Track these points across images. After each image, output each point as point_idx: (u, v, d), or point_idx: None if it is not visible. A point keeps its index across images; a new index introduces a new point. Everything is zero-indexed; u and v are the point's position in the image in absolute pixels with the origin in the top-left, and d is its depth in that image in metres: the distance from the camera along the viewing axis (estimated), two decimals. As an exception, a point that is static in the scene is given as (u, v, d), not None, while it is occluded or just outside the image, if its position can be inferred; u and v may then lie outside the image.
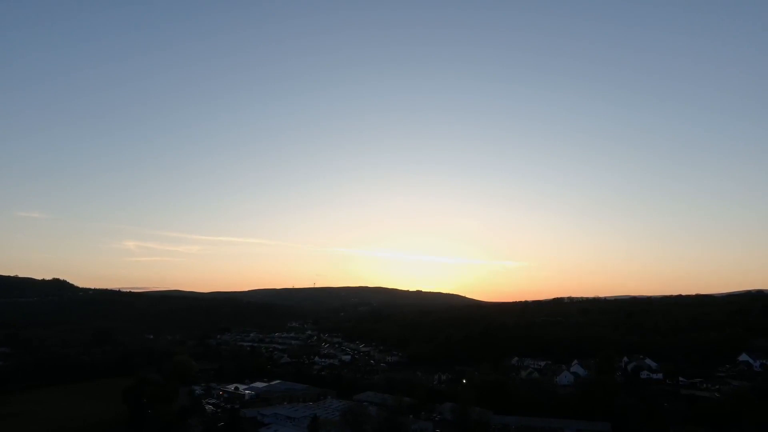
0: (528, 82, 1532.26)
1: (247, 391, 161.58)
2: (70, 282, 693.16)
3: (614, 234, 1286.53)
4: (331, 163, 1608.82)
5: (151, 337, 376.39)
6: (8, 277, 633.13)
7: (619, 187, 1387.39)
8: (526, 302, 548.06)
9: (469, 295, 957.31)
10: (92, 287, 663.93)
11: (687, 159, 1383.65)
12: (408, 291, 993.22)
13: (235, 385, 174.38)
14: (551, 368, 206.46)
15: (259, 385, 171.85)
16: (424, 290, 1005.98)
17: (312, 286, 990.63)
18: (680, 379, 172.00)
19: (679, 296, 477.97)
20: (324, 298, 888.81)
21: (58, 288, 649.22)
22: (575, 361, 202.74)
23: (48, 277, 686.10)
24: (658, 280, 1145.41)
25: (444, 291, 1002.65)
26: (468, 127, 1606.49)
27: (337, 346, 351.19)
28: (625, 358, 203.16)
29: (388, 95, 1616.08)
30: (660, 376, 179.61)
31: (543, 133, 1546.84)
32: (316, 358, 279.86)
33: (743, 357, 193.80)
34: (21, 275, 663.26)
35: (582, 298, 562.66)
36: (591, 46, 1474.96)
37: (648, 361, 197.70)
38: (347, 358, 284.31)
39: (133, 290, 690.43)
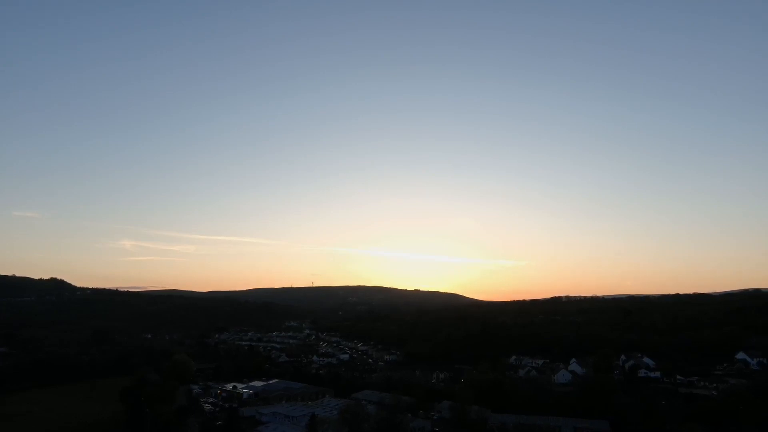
0: (529, 83, 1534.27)
1: (245, 390, 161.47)
2: (68, 282, 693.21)
3: (612, 233, 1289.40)
4: (329, 163, 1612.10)
5: (149, 336, 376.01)
6: (7, 277, 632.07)
7: (617, 187, 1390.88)
8: (524, 301, 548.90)
9: (467, 295, 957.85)
10: (90, 287, 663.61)
11: (685, 158, 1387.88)
12: (406, 290, 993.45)
13: (233, 384, 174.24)
14: (549, 367, 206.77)
15: (257, 384, 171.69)
16: (422, 289, 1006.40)
17: (310, 285, 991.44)
18: (678, 377, 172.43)
19: (677, 295, 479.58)
20: (322, 298, 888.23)
21: (56, 287, 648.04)
22: (573, 360, 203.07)
23: (46, 277, 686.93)
24: (656, 279, 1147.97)
25: (442, 290, 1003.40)
26: (467, 127, 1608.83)
27: (335, 345, 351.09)
28: (623, 357, 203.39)
29: (388, 96, 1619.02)
30: (658, 374, 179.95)
31: (542, 133, 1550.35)
32: (315, 357, 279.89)
33: (740, 355, 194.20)
34: (19, 275, 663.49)
35: (580, 297, 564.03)
36: (586, 45, 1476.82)
37: (646, 359, 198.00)
38: (345, 357, 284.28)
39: (130, 290, 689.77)
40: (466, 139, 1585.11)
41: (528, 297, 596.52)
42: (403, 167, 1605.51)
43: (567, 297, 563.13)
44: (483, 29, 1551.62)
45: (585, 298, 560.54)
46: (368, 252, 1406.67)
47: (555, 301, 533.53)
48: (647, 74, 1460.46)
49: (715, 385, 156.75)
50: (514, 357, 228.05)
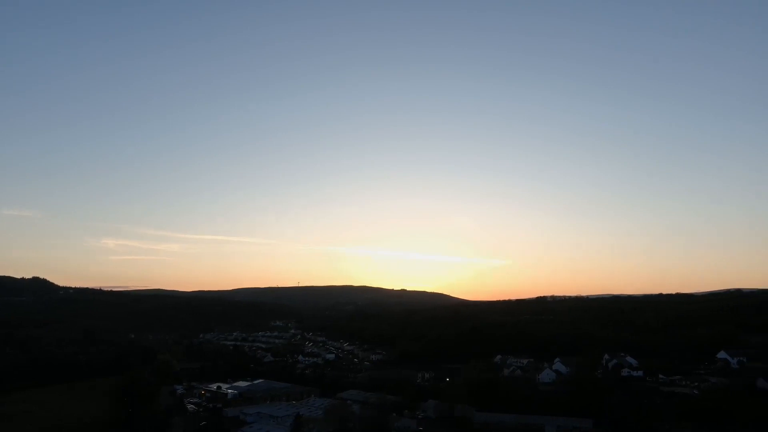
0: (519, 83, 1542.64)
1: (229, 391, 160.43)
2: (51, 281, 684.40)
3: (598, 233, 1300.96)
4: (317, 162, 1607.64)
5: (133, 336, 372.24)
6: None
7: (604, 187, 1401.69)
8: (510, 301, 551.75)
9: (454, 294, 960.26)
10: (73, 286, 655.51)
11: (670, 159, 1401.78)
12: (393, 290, 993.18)
13: (217, 384, 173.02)
14: (534, 366, 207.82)
15: (242, 384, 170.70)
16: (409, 289, 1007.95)
17: (297, 285, 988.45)
18: (660, 376, 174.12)
19: (660, 295, 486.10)
20: (309, 297, 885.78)
21: (39, 287, 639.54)
22: (557, 359, 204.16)
23: (28, 276, 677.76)
24: (640, 279, 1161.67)
25: (429, 290, 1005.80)
26: (455, 126, 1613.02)
27: (321, 344, 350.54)
28: (607, 356, 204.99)
29: (380, 95, 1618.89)
30: (640, 373, 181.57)
31: (529, 133, 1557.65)
32: (300, 357, 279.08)
33: (722, 354, 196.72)
34: (0, 274, 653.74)
35: (565, 296, 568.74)
36: (579, 45, 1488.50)
37: (629, 358, 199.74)
38: (331, 356, 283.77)
39: (114, 289, 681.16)
40: (455, 138, 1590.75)
41: (514, 296, 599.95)
42: (391, 167, 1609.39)
43: (553, 297, 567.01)
44: (471, 29, 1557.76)
45: (570, 297, 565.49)
46: (355, 251, 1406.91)
47: (541, 300, 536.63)
48: (633, 74, 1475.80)
49: (696, 384, 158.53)
50: (499, 356, 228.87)
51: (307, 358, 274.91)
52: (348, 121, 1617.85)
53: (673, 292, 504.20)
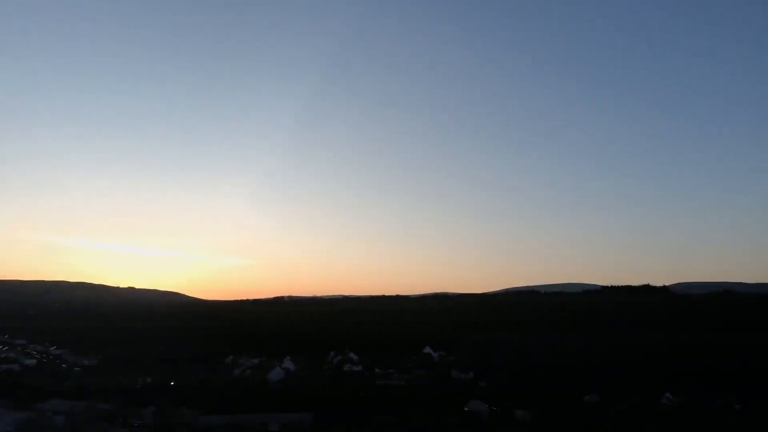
0: (276, 79, 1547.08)
1: None
2: None
3: (336, 236, 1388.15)
4: (31, 138, 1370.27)
5: None
6: None
7: (352, 190, 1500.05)
8: (246, 300, 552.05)
9: (190, 293, 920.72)
10: None
11: (411, 165, 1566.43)
12: (119, 288, 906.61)
13: None
14: (264, 365, 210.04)
15: None
16: (138, 287, 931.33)
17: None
18: (376, 369, 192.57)
19: (382, 296, 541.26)
20: (7, 293, 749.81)
21: None
22: (287, 358, 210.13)
23: None
24: (367, 282, 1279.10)
25: (161, 288, 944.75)
26: (199, 118, 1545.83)
27: (19, 349, 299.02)
28: (332, 353, 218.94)
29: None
30: (360, 368, 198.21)
31: (274, 130, 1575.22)
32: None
33: (427, 349, 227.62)
34: None
35: (301, 297, 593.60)
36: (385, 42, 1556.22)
37: (352, 354, 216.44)
38: (32, 362, 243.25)
39: None
40: (198, 132, 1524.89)
41: (252, 296, 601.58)
42: (119, 149, 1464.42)
43: (290, 297, 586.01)
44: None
45: (306, 297, 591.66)
46: (72, 243, 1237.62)
47: (277, 300, 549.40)
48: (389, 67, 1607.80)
49: (406, 375, 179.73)
50: (230, 357, 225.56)
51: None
52: (74, 97, 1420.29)
53: (393, 294, 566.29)
